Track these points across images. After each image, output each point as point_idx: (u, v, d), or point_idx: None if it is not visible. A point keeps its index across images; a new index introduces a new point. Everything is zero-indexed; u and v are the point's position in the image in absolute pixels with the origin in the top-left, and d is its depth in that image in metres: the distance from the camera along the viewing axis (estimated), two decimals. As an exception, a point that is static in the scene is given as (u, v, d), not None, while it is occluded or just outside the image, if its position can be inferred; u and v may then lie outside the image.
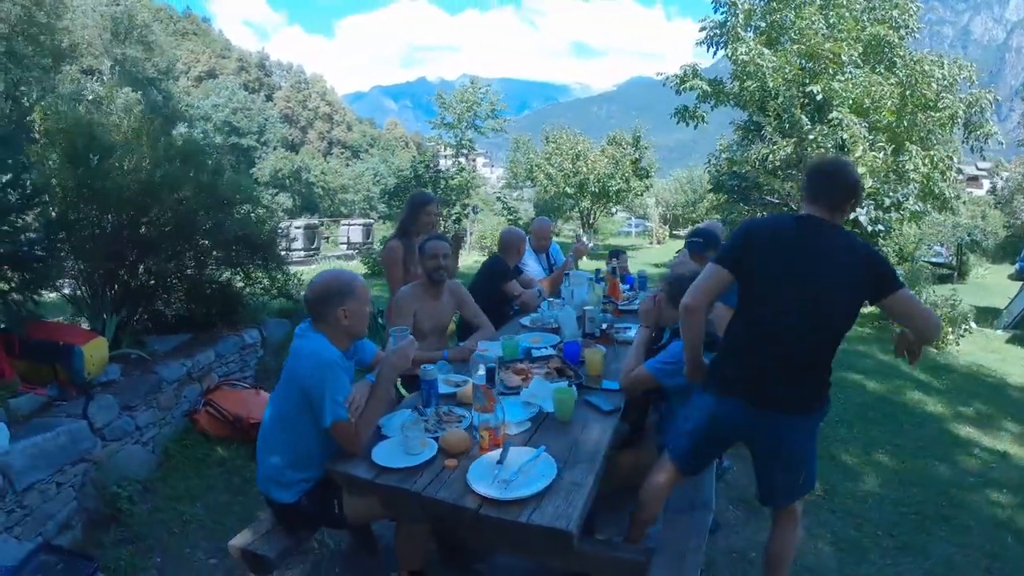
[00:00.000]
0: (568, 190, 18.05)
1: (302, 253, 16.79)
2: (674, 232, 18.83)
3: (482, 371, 2.31)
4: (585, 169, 17.53)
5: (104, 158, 4.11)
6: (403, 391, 3.37)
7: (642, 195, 19.84)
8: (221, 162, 4.81)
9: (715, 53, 10.50)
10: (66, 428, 3.18)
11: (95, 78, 19.15)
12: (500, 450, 2.01)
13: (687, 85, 10.69)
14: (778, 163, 9.23)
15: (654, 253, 20.53)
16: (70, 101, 4.32)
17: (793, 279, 2.10)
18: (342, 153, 51.55)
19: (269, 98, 50.24)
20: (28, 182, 3.77)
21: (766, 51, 9.28)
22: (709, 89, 10.55)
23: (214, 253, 4.98)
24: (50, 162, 4.14)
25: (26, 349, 3.60)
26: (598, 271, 4.35)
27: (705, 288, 2.23)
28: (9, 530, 2.72)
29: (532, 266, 4.85)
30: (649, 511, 2.42)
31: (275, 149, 43.60)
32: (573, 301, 3.74)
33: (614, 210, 18.89)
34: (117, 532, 3.15)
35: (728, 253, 2.24)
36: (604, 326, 3.45)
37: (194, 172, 4.50)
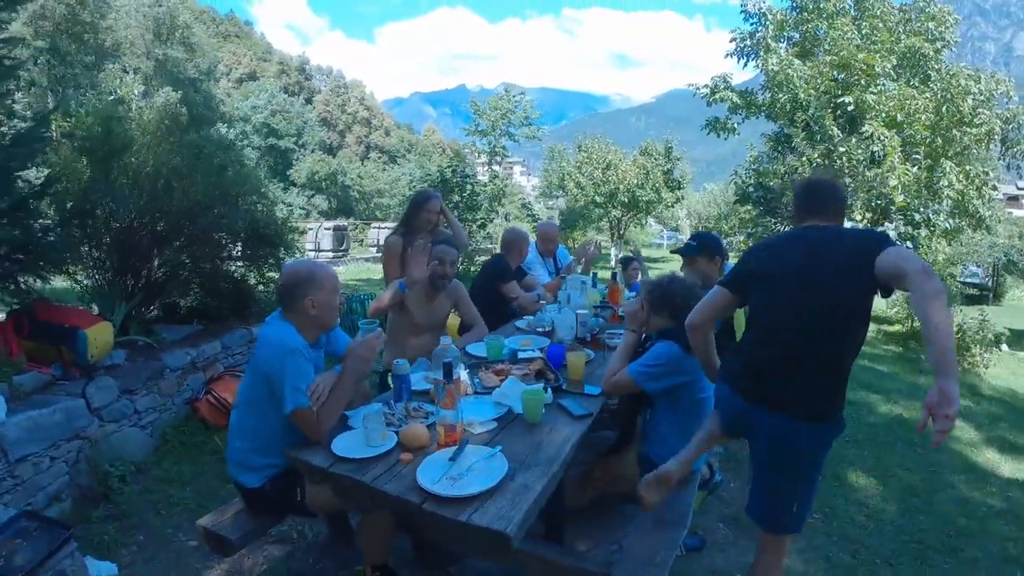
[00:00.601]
0: (598, 199, 17.94)
1: (330, 254, 17.00)
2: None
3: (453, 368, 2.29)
4: (615, 179, 17.41)
5: (118, 153, 4.23)
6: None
7: (672, 207, 19.58)
8: (230, 157, 4.89)
9: (745, 64, 10.35)
10: (63, 405, 3.28)
11: (137, 77, 19.81)
12: (456, 447, 1.99)
13: (717, 96, 10.56)
14: (807, 175, 9.04)
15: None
16: (101, 96, 4.46)
17: (794, 280, 2.07)
18: (379, 157, 52.17)
19: (308, 101, 51.14)
20: (43, 174, 3.92)
21: (797, 62, 9.10)
22: (739, 101, 10.39)
23: (228, 247, 5.11)
24: (66, 155, 4.27)
25: (34, 330, 3.72)
26: (594, 275, 4.30)
27: (709, 308, 2.30)
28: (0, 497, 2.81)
29: (537, 270, 4.80)
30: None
31: (313, 152, 44.32)
32: (569, 305, 3.70)
33: (646, 221, 18.68)
34: (105, 508, 3.23)
35: (732, 277, 2.29)
36: (595, 331, 3.40)
37: (203, 167, 4.59)
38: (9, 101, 4.76)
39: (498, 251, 4.53)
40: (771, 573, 2.22)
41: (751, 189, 10.18)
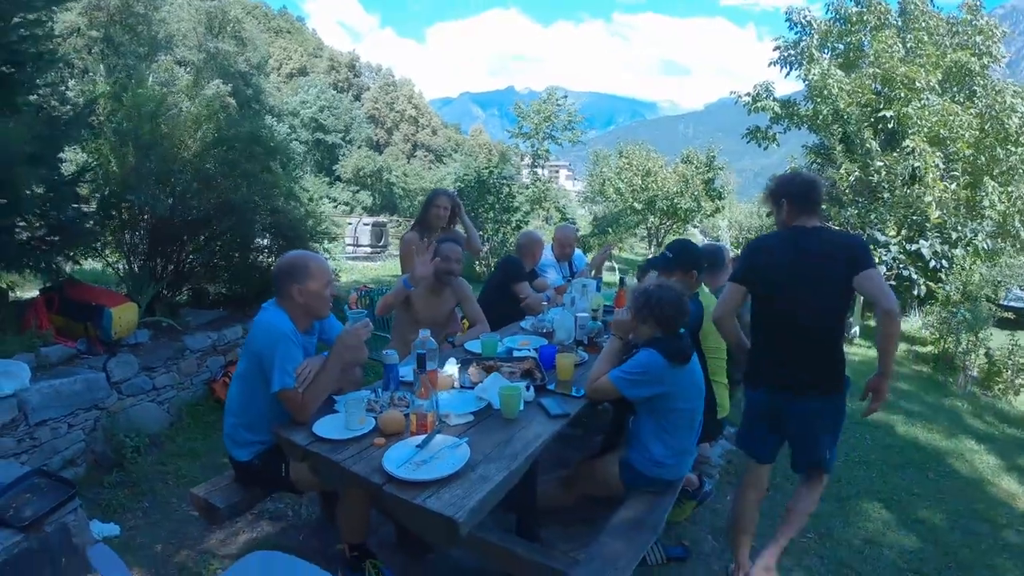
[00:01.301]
0: (636, 206, 17.84)
1: (368, 249, 17.18)
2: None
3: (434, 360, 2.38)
4: (655, 186, 17.29)
5: (155, 144, 4.45)
6: None
7: (713, 216, 19.30)
8: (265, 160, 5.08)
9: (788, 74, 10.19)
10: (84, 377, 3.48)
11: (188, 69, 20.56)
12: (426, 435, 2.07)
13: (759, 105, 10.42)
14: (846, 188, 8.86)
15: (722, 275, 19.52)
16: (143, 87, 4.68)
17: (792, 278, 2.51)
18: (426, 156, 52.62)
19: (357, 98, 51.92)
20: (80, 161, 4.16)
21: (839, 73, 8.93)
22: (781, 111, 10.23)
23: (257, 240, 5.32)
24: (106, 143, 4.52)
25: (64, 306, 3.96)
26: (599, 280, 4.34)
27: (727, 303, 2.75)
28: (17, 456, 3.03)
29: (552, 273, 4.85)
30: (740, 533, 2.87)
31: (359, 148, 44.97)
32: (573, 308, 3.74)
33: (687, 230, 18.43)
34: (117, 475, 3.43)
35: (739, 272, 2.72)
36: (592, 334, 3.44)
37: (239, 164, 4.79)
38: (62, 88, 5.08)
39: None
40: (813, 495, 2.77)
41: None
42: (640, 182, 17.60)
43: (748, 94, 10.50)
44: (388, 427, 2.17)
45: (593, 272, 4.76)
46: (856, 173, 8.72)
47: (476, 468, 1.96)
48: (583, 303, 3.61)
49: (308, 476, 2.36)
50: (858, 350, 7.87)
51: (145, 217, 4.60)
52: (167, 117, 4.75)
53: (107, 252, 4.82)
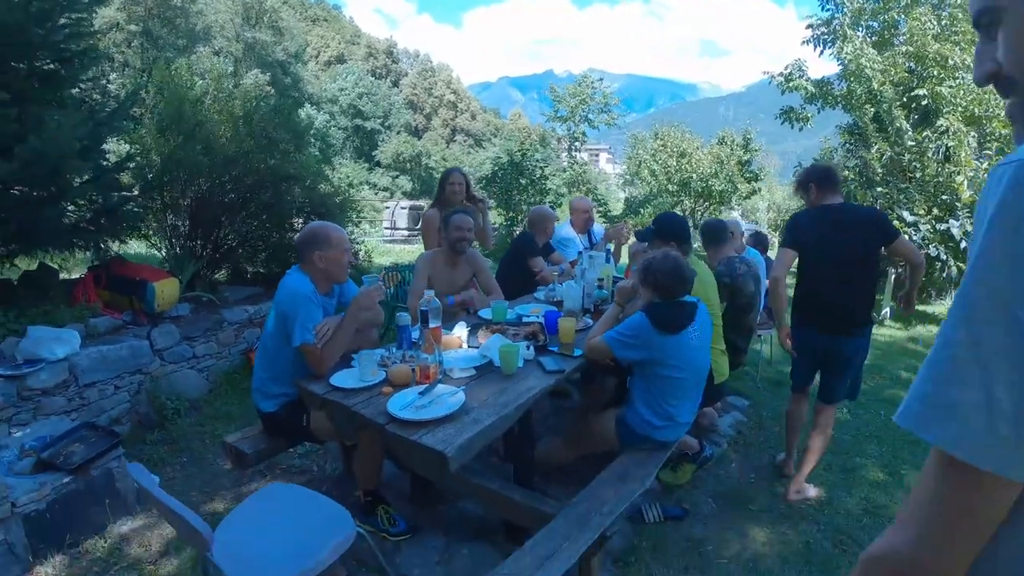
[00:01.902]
0: (671, 187, 17.72)
1: (405, 232, 17.51)
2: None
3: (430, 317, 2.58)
4: (689, 167, 17.12)
5: (191, 132, 4.74)
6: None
7: (750, 198, 18.97)
8: (294, 142, 5.34)
9: (821, 52, 10.00)
10: (129, 344, 3.79)
11: (227, 59, 21.13)
12: (428, 385, 2.27)
13: (792, 85, 10.25)
14: (878, 168, 8.71)
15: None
16: (177, 78, 5.01)
17: (829, 246, 3.10)
18: (465, 140, 52.79)
19: (395, 84, 52.35)
20: (124, 149, 4.47)
21: (871, 51, 8.74)
22: (815, 90, 10.05)
23: (294, 219, 5.61)
24: (147, 132, 4.83)
25: (111, 282, 4.29)
26: (608, 250, 4.46)
27: (782, 264, 3.24)
28: (68, 413, 3.35)
29: (572, 247, 4.93)
30: (792, 435, 3.58)
31: (398, 133, 45.40)
32: (584, 279, 3.88)
33: (719, 211, 18.13)
34: (159, 434, 3.73)
35: (788, 240, 3.24)
36: (598, 302, 3.59)
37: (271, 148, 5.06)
38: (104, 82, 5.41)
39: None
40: (829, 421, 3.37)
41: None
42: (675, 163, 17.44)
43: (781, 74, 10.33)
44: (396, 378, 2.38)
45: (612, 246, 4.85)
46: (888, 153, 8.56)
47: (470, 413, 2.15)
48: (592, 273, 3.75)
49: (326, 425, 2.59)
50: (890, 331, 7.73)
51: (185, 202, 4.91)
52: (202, 105, 5.04)
53: (150, 234, 5.16)
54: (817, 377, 3.41)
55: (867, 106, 8.84)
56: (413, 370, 2.44)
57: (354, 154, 39.85)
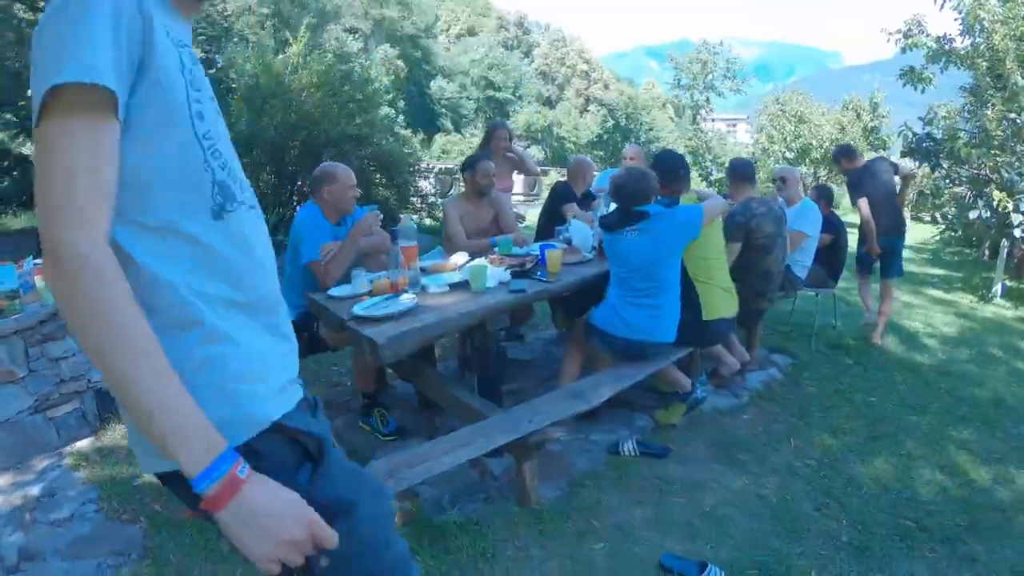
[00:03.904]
0: (788, 155, 16.73)
1: (522, 197, 18.18)
2: (918, 214, 14.74)
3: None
4: (808, 133, 16.07)
5: (267, 100, 5.44)
6: None
7: (877, 166, 17.45)
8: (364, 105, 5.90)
9: (942, 6, 9.00)
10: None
11: (357, 36, 22.43)
12: (395, 294, 2.64)
13: (911, 42, 9.33)
14: (997, 130, 7.82)
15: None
16: (265, 55, 5.80)
17: (880, 184, 4.89)
18: (598, 111, 52.37)
19: (527, 55, 52.76)
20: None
21: (993, 1, 7.78)
22: (935, 47, 9.09)
23: (373, 175, 6.21)
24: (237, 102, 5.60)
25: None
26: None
27: (867, 209, 4.88)
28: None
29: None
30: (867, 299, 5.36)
31: (529, 104, 45.86)
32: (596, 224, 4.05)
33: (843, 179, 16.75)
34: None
35: (860, 191, 4.93)
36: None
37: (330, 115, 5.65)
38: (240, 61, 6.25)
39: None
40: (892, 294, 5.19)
41: (925, 143, 8.95)
42: (793, 129, 16.44)
43: (898, 30, 9.40)
44: (377, 290, 2.76)
45: None
46: (1011, 115, 7.62)
47: (418, 315, 2.49)
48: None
49: (329, 331, 3.03)
50: (997, 309, 6.89)
51: (267, 155, 5.63)
52: (281, 76, 5.73)
53: None
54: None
55: (982, 62, 7.93)
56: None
57: (486, 124, 40.97)
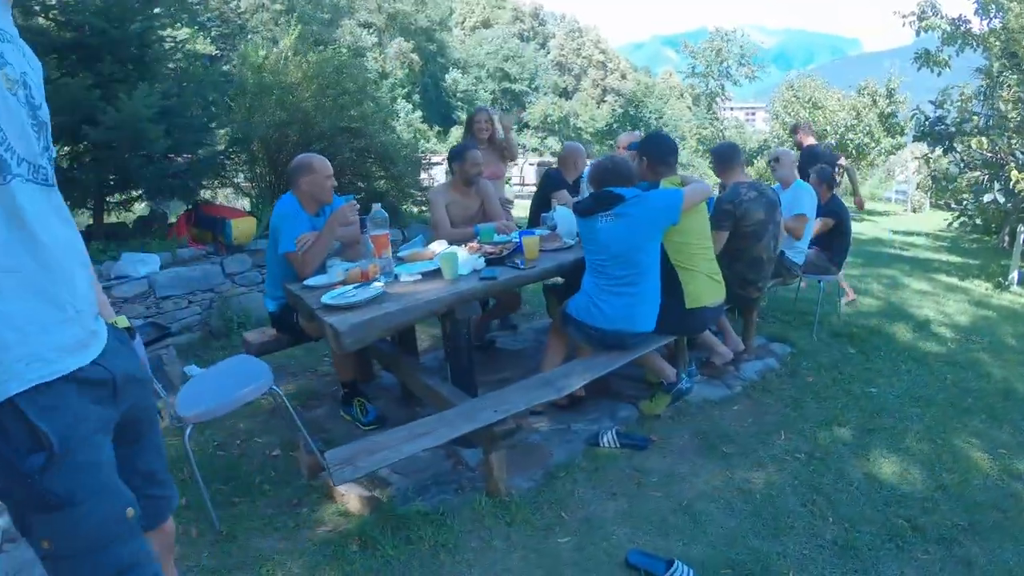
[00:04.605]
0: (804, 141, 16.48)
1: (533, 187, 18.21)
2: (939, 201, 14.00)
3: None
4: (822, 119, 15.80)
5: (260, 95, 5.44)
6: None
7: (895, 153, 17.00)
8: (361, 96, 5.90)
9: (958, -14, 8.78)
10: (202, 267, 4.55)
11: (371, 31, 22.48)
12: (364, 282, 2.62)
13: (926, 24, 9.13)
14: (1014, 115, 7.62)
15: (903, 220, 14.85)
16: (256, 50, 5.91)
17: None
18: (616, 101, 51.82)
19: (542, 46, 52.34)
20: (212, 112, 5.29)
21: (1008, -19, 7.58)
22: (950, 29, 8.88)
23: (371, 168, 6.20)
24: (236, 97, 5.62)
25: (198, 220, 5.18)
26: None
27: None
28: (147, 318, 4.09)
29: None
30: None
31: (545, 95, 45.58)
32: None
33: (861, 166, 16.12)
34: (223, 343, 4.43)
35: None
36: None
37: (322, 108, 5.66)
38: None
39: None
40: None
41: (938, 126, 8.76)
42: (806, 114, 16.16)
43: (912, 12, 9.21)
44: (349, 279, 2.74)
45: None
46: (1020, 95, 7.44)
47: (383, 304, 2.47)
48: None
49: (305, 321, 3.02)
50: (1014, 298, 6.69)
51: (263, 150, 5.65)
52: (273, 71, 5.74)
53: (239, 182, 6.02)
54: None
55: (995, 41, 7.73)
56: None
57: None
